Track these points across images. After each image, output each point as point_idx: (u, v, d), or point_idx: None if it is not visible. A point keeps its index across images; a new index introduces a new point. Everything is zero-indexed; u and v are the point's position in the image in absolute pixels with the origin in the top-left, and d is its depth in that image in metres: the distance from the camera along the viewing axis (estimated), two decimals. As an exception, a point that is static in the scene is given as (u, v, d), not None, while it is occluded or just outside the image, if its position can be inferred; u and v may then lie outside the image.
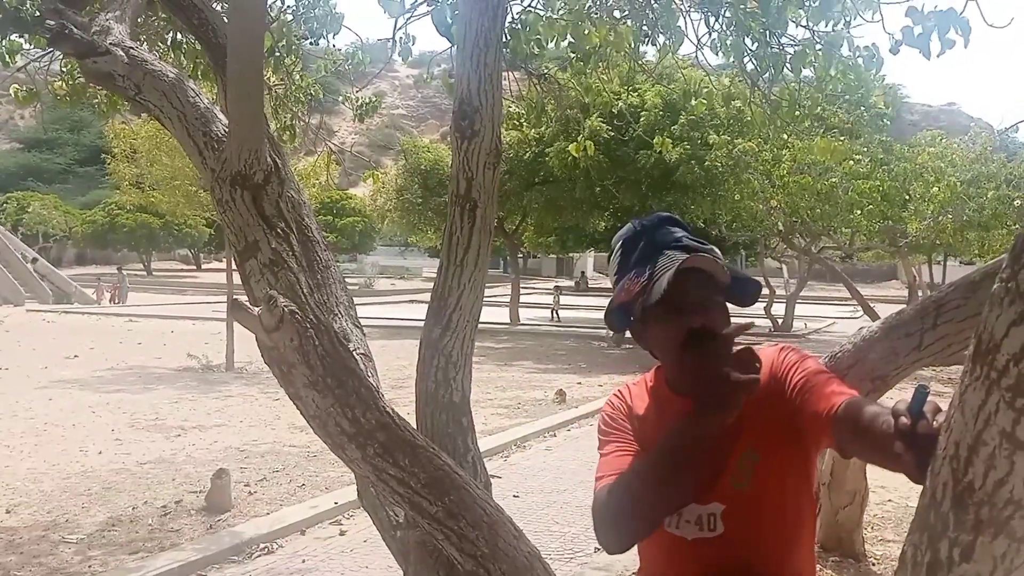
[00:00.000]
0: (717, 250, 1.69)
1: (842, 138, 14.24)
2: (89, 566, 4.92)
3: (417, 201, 23.08)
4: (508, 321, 22.34)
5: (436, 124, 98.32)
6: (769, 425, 1.60)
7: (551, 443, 8.57)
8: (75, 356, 14.93)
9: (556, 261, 54.96)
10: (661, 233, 1.69)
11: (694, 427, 1.50)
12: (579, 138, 6.36)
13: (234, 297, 2.68)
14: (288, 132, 6.27)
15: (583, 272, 46.77)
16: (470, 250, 3.10)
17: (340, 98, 7.82)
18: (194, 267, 58.21)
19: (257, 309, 2.61)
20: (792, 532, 1.66)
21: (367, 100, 7.07)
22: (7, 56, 4.81)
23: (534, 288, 39.84)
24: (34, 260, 32.40)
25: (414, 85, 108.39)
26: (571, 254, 38.57)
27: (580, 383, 12.52)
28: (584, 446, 8.06)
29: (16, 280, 29.89)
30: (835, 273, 20.71)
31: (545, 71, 6.55)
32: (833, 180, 15.72)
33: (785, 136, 14.48)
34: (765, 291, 24.93)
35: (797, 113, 5.01)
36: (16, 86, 5.64)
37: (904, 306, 2.21)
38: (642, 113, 15.39)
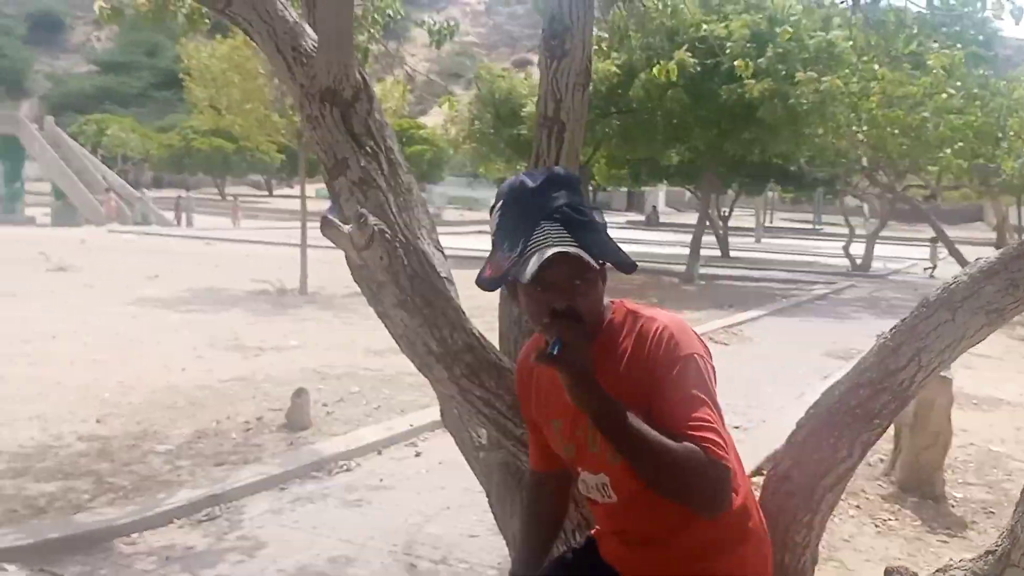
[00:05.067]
0: (598, 219, 1.69)
1: (940, 71, 13.47)
2: (178, 475, 5.12)
3: (489, 131, 22.84)
4: (577, 254, 22.21)
5: (507, 52, 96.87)
6: (638, 409, 1.59)
7: (621, 375, 8.56)
8: (156, 276, 15.42)
9: (627, 195, 54.28)
10: (542, 198, 1.66)
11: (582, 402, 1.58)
12: (663, 62, 6.14)
13: (325, 215, 2.68)
14: (362, 54, 6.18)
15: (654, 206, 46.10)
16: (557, 174, 3.03)
17: (418, 22, 7.70)
18: (266, 193, 59.21)
19: (348, 227, 2.61)
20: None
21: (444, 24, 6.93)
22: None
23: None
24: (139, 197, 33.44)
25: (486, 12, 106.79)
26: (643, 188, 38.00)
27: (650, 317, 12.43)
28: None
29: (111, 211, 30.90)
30: (919, 213, 19.98)
31: (631, -7, 6.30)
32: (924, 114, 15.01)
33: (876, 67, 13.82)
34: (844, 230, 24.23)
35: (903, 36, 4.73)
36: (101, 3, 5.69)
37: (993, 249, 2.09)
38: (728, 44, 14.83)
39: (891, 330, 2.10)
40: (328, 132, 2.84)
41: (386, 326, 2.92)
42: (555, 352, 1.53)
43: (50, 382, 7.26)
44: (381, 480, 5.32)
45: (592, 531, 2.03)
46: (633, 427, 1.54)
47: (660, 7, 6.22)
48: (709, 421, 1.58)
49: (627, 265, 1.69)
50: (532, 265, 1.56)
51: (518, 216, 1.66)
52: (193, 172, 51.58)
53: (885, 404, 2.06)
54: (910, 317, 2.09)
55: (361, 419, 6.48)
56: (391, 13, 6.88)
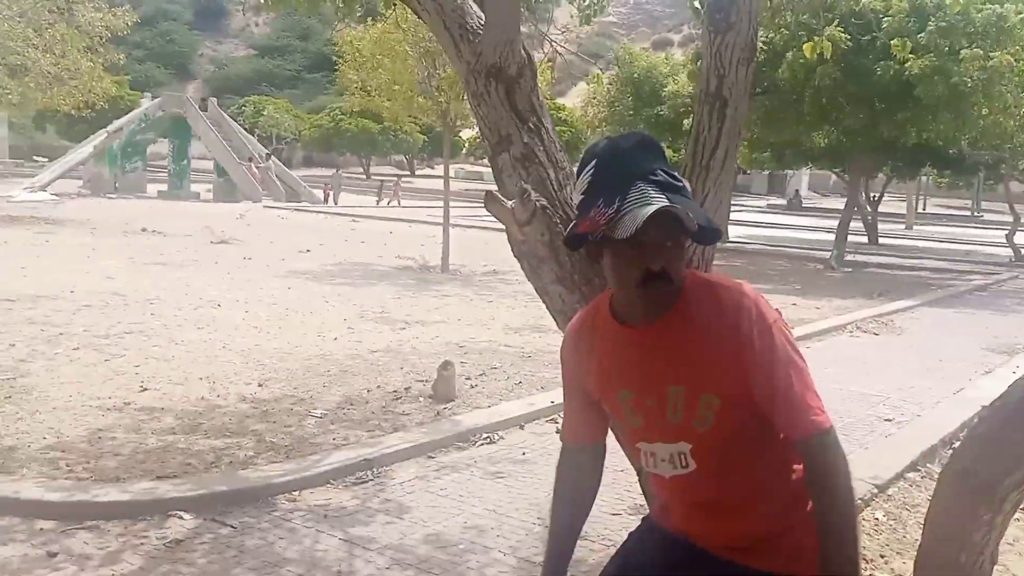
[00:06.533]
0: (688, 188, 1.70)
1: None
2: (332, 439, 5.38)
3: (628, 112, 22.58)
4: (716, 238, 21.71)
5: (647, 32, 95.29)
6: (729, 375, 1.64)
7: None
8: (307, 251, 16.16)
9: (768, 177, 52.49)
10: (637, 160, 1.66)
11: None
12: (816, 39, 5.90)
13: (489, 189, 2.74)
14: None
15: (797, 190, 44.41)
16: (717, 151, 2.98)
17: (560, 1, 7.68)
18: (408, 172, 60.82)
19: (510, 202, 2.66)
20: (763, 462, 1.72)
21: (594, 1, 6.89)
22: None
23: (743, 205, 38.40)
24: (268, 156, 35.10)
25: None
26: (786, 171, 36.65)
27: (795, 304, 12.03)
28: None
29: (254, 179, 32.61)
30: (1097, 200, 18.40)
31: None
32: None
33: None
34: (1007, 217, 22.52)
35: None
36: None
37: None
38: (885, 19, 14.03)
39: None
40: (493, 108, 2.90)
41: (544, 302, 2.96)
42: None
43: (217, 346, 7.78)
44: (524, 454, 5.41)
45: (651, 510, 2.01)
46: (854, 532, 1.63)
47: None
48: (817, 396, 1.64)
49: (717, 233, 1.71)
50: (638, 219, 1.55)
51: (613, 174, 1.65)
52: (341, 152, 53.60)
53: (1085, 398, 1.93)
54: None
55: (503, 393, 6.60)
56: (540, -7, 6.90)
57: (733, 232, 23.48)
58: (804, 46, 5.62)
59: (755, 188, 54.06)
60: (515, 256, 2.86)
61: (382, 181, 36.48)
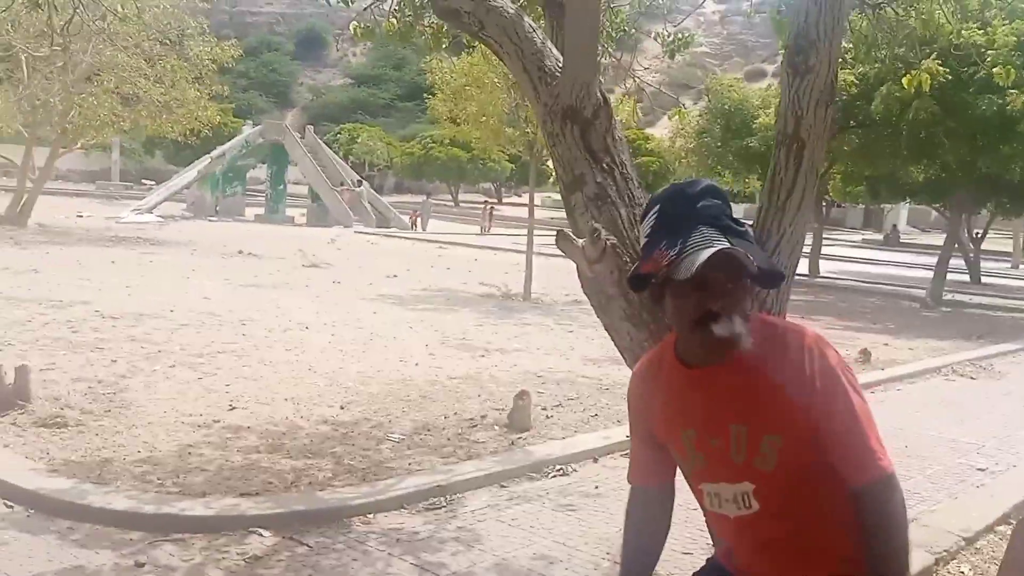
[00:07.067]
0: (751, 232, 1.74)
1: None
2: (407, 463, 5.48)
3: (716, 144, 22.38)
4: (807, 272, 21.25)
5: (740, 62, 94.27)
6: (791, 415, 1.66)
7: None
8: (394, 276, 16.51)
9: (863, 212, 51.06)
10: (700, 205, 1.71)
11: None
12: (914, 72, 5.78)
13: (560, 228, 2.79)
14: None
15: (894, 225, 43.04)
16: (793, 193, 2.96)
17: (651, 33, 7.73)
18: (495, 200, 61.54)
19: (581, 241, 2.71)
20: (827, 503, 1.71)
21: (679, 35, 6.91)
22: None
23: (836, 239, 37.42)
24: (360, 182, 36.01)
25: (720, 22, 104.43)
26: (882, 205, 35.59)
27: (887, 344, 11.65)
28: (889, 410, 7.54)
29: (346, 205, 33.53)
30: None
31: (881, 1, 5.99)
32: None
33: None
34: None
35: None
36: (356, 23, 6.28)
37: None
38: (988, 52, 13.58)
39: None
40: (567, 149, 2.96)
41: (612, 338, 3.00)
42: None
43: (303, 368, 8.03)
44: (596, 487, 5.40)
45: (715, 552, 2.02)
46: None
47: (913, 15, 5.87)
48: (880, 441, 1.67)
49: (779, 276, 1.77)
50: (697, 260, 1.59)
51: (677, 218, 1.71)
52: (431, 179, 54.71)
53: None
54: None
55: (578, 425, 6.61)
56: (626, 28, 6.97)
57: (825, 267, 22.91)
58: (903, 78, 5.52)
59: (850, 222, 52.64)
60: (584, 293, 2.91)
61: (491, 206, 36.71)
